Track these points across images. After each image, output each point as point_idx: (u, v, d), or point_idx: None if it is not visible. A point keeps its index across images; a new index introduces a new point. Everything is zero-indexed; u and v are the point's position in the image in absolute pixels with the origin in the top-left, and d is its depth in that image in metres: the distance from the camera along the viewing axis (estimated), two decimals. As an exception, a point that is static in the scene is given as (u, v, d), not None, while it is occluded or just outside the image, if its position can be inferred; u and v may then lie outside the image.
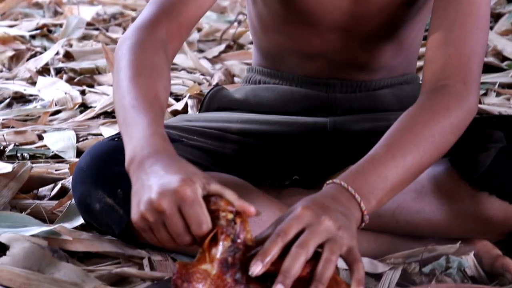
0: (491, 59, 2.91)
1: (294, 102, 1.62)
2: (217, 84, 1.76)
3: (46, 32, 3.62)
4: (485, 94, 2.63)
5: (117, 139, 1.49)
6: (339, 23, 1.54)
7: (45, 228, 1.51)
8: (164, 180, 1.12)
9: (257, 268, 1.08)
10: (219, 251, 1.10)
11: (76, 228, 1.56)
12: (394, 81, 1.62)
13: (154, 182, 1.12)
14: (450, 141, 1.34)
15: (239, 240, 1.11)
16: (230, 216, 1.11)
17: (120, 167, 1.43)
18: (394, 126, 1.33)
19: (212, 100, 1.70)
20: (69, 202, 1.66)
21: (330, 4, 1.52)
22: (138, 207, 1.13)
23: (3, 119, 2.43)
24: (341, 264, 1.41)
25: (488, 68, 2.80)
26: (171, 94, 2.74)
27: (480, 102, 2.47)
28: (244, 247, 1.11)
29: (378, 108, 1.61)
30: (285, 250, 1.11)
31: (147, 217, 1.12)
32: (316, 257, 1.11)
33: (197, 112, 1.78)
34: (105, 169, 1.44)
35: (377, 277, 1.39)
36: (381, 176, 1.24)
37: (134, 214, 1.14)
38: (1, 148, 2.13)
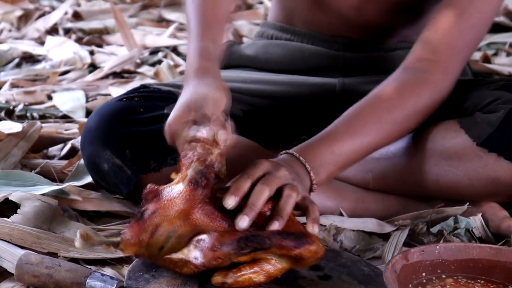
0: (502, 19, 2.89)
1: (304, 59, 1.61)
2: (227, 41, 1.75)
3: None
4: (495, 54, 2.61)
5: (125, 99, 1.49)
6: None
7: (55, 187, 1.52)
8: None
9: (230, 201, 1.14)
10: (190, 171, 1.15)
11: (85, 187, 1.57)
12: (406, 46, 1.61)
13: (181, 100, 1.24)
14: (411, 128, 1.39)
15: (213, 168, 1.16)
16: (210, 149, 1.17)
17: (128, 127, 1.44)
18: (360, 102, 1.36)
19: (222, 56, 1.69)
20: (78, 161, 1.67)
21: None
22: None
23: (12, 79, 2.43)
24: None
25: (499, 28, 2.77)
26: (179, 54, 2.73)
27: (490, 62, 2.46)
28: (216, 177, 1.17)
29: (388, 70, 1.60)
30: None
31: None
32: (275, 199, 1.17)
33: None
34: (113, 130, 1.44)
35: (385, 237, 1.40)
36: (335, 152, 1.30)
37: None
38: (11, 107, 2.14)
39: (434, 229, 1.39)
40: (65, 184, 1.53)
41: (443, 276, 1.13)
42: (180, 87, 1.56)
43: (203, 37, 1.33)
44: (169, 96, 1.52)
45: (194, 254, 1.09)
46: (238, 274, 1.11)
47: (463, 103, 1.44)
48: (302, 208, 1.19)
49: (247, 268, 1.11)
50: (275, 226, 1.12)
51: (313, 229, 1.15)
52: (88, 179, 1.58)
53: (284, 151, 1.30)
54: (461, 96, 1.51)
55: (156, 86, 1.57)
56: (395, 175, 1.47)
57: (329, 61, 1.60)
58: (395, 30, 1.59)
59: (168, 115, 1.47)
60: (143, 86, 1.57)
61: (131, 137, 1.44)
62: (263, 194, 1.15)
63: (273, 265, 1.12)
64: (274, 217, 1.14)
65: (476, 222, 1.40)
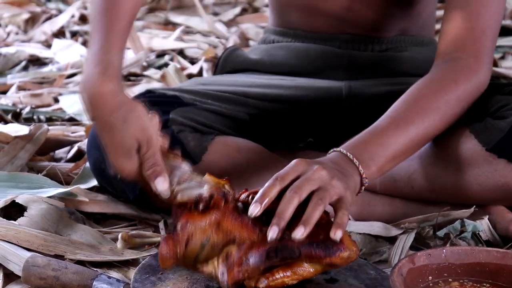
0: (508, 22, 2.89)
1: (309, 59, 1.61)
2: (231, 46, 1.76)
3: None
4: (502, 58, 2.61)
5: None
6: None
7: (61, 189, 1.52)
8: None
9: (256, 209, 1.12)
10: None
11: (91, 190, 1.57)
12: (409, 40, 1.61)
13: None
14: (457, 114, 1.37)
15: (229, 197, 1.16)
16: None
17: None
18: (401, 97, 1.35)
19: (226, 61, 1.70)
20: (84, 164, 1.67)
21: None
22: None
23: (19, 82, 2.43)
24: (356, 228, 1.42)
25: (505, 31, 2.77)
26: (186, 57, 2.74)
27: (497, 66, 2.45)
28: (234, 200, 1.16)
29: (394, 71, 1.60)
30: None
31: None
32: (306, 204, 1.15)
33: (212, 74, 1.79)
34: None
35: (391, 240, 1.40)
36: (382, 144, 1.28)
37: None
38: (18, 110, 2.15)
39: (441, 233, 1.39)
40: (72, 187, 1.53)
41: (450, 279, 1.13)
42: (185, 91, 1.57)
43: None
44: (174, 101, 1.52)
45: (221, 270, 1.10)
46: (271, 278, 1.11)
47: (473, 107, 1.43)
48: (334, 210, 1.16)
49: (280, 272, 1.11)
50: (298, 234, 1.10)
51: (335, 235, 1.12)
52: (95, 182, 1.58)
53: (332, 149, 1.27)
54: None
55: (161, 91, 1.57)
56: (403, 179, 1.46)
57: (334, 60, 1.60)
58: (391, 23, 1.59)
59: (173, 119, 1.47)
60: (148, 91, 1.57)
61: None
62: (292, 203, 1.12)
63: (306, 268, 1.12)
64: (299, 225, 1.11)
65: (483, 225, 1.40)
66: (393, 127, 1.30)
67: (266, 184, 1.15)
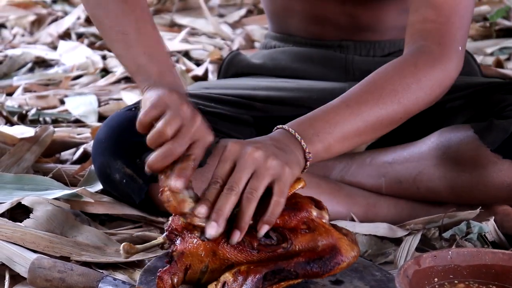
0: (513, 24, 2.89)
1: (312, 63, 1.61)
2: (234, 50, 1.77)
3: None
4: (508, 59, 2.60)
5: (134, 109, 1.49)
6: None
7: (67, 191, 1.52)
8: None
9: (213, 231, 1.09)
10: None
11: (97, 192, 1.57)
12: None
13: None
14: (419, 99, 1.29)
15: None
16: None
17: (138, 137, 1.44)
18: (358, 83, 1.30)
19: (229, 66, 1.70)
20: (90, 166, 1.67)
21: None
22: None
23: (25, 84, 2.44)
24: (360, 229, 1.42)
25: (510, 33, 2.77)
26: (191, 59, 2.74)
27: (502, 67, 2.45)
28: None
29: None
30: None
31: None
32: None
33: (216, 78, 1.79)
34: (123, 140, 1.45)
35: (397, 242, 1.40)
36: (329, 122, 1.22)
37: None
38: (24, 112, 2.15)
39: (446, 234, 1.39)
40: (78, 189, 1.54)
41: (456, 281, 1.13)
42: (189, 95, 1.56)
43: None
44: None
45: None
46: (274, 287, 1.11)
47: (476, 107, 1.43)
48: (272, 194, 1.12)
49: (282, 283, 1.11)
50: (234, 240, 1.09)
51: (258, 233, 1.10)
52: (100, 185, 1.58)
53: (275, 127, 1.23)
54: (473, 99, 1.50)
55: None
56: (409, 181, 1.46)
57: (337, 64, 1.60)
58: (391, 25, 1.58)
59: None
60: None
61: (141, 146, 1.44)
62: (229, 200, 1.09)
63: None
64: (234, 230, 1.10)
65: (489, 226, 1.39)
66: (343, 106, 1.24)
67: (208, 187, 1.12)
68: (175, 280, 1.11)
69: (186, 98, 1.19)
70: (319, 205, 1.16)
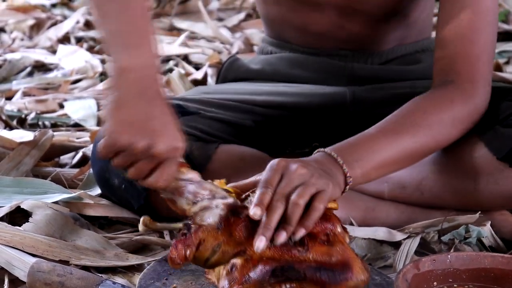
0: (512, 27, 2.89)
1: (311, 70, 1.61)
2: (233, 55, 1.76)
3: (66, 1, 3.62)
4: (507, 63, 2.60)
5: None
6: (336, 2, 1.53)
7: (66, 195, 1.52)
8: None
9: (258, 211, 1.13)
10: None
11: (96, 196, 1.57)
12: (409, 49, 1.61)
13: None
14: (451, 134, 1.36)
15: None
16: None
17: None
18: (395, 111, 1.35)
19: (228, 71, 1.70)
20: (89, 170, 1.67)
21: None
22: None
23: (24, 88, 2.44)
24: (360, 233, 1.42)
25: (510, 36, 2.77)
26: (191, 63, 2.74)
27: (501, 70, 2.45)
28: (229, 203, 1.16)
29: (396, 79, 1.60)
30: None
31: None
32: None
33: (215, 83, 1.79)
34: None
35: (396, 245, 1.39)
36: (369, 150, 1.28)
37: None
38: (23, 116, 2.15)
39: (445, 238, 1.39)
40: (77, 192, 1.54)
41: (455, 285, 1.13)
42: (189, 100, 1.57)
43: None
44: (178, 110, 1.52)
45: (222, 284, 1.10)
46: None
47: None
48: (311, 204, 1.16)
49: (287, 285, 1.10)
50: (279, 240, 1.11)
51: (294, 236, 1.12)
52: (99, 189, 1.58)
53: (316, 150, 1.27)
54: None
55: None
56: (412, 186, 1.46)
57: (336, 71, 1.60)
58: (387, 36, 1.58)
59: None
60: None
61: None
62: (276, 212, 1.13)
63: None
64: (280, 230, 1.12)
65: (485, 231, 1.39)
66: (381, 136, 1.31)
67: (258, 192, 1.15)
68: (188, 252, 1.12)
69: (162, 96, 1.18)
70: (344, 228, 1.18)
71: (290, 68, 1.63)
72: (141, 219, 1.20)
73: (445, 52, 1.39)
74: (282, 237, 1.12)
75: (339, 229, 1.16)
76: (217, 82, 1.73)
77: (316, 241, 1.13)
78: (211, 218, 1.14)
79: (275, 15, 1.63)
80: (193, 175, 1.19)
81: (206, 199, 1.16)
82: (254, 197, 1.15)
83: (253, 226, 1.13)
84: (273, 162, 1.19)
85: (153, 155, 1.14)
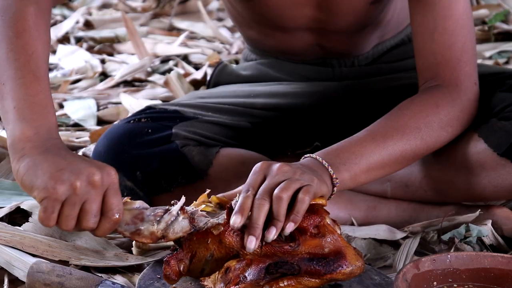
0: (512, 27, 2.89)
1: (300, 75, 1.63)
2: (221, 61, 1.77)
3: (65, 1, 3.62)
4: (506, 63, 2.61)
5: (132, 121, 1.50)
6: (307, 26, 1.53)
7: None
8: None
9: (237, 219, 1.12)
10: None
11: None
12: (391, 42, 1.62)
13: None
14: (441, 137, 1.36)
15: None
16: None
17: (137, 149, 1.45)
18: (382, 116, 1.36)
19: (218, 78, 1.71)
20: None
21: (292, 11, 1.51)
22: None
23: (24, 88, 2.44)
24: (359, 233, 1.42)
25: (509, 36, 2.77)
26: (190, 63, 2.74)
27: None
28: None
29: (386, 74, 1.61)
30: None
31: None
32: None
33: (206, 88, 1.80)
34: (123, 153, 1.45)
35: (396, 245, 1.40)
36: (356, 153, 1.28)
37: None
38: (22, 116, 2.15)
39: (445, 237, 1.39)
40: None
41: (455, 285, 1.13)
42: (186, 105, 1.57)
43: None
44: (175, 116, 1.52)
45: (219, 286, 1.10)
46: (275, 287, 1.11)
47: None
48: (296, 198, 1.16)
49: (284, 281, 1.11)
50: (270, 236, 1.12)
51: (284, 231, 1.13)
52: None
53: (303, 156, 1.28)
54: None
55: (161, 107, 1.57)
56: (415, 184, 1.46)
57: (324, 74, 1.62)
58: (365, 42, 1.59)
59: (176, 134, 1.47)
60: (148, 108, 1.57)
61: (141, 159, 1.45)
62: (262, 210, 1.14)
63: (311, 279, 1.12)
64: (270, 227, 1.12)
65: (486, 230, 1.39)
66: (369, 139, 1.30)
67: (241, 197, 1.15)
68: (181, 267, 1.13)
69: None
70: (333, 221, 1.18)
71: (279, 73, 1.64)
72: (134, 242, 1.22)
73: (426, 62, 1.39)
74: (272, 233, 1.12)
75: (328, 220, 1.17)
76: (208, 87, 1.73)
77: (307, 235, 1.14)
78: (181, 226, 1.14)
79: (253, 36, 1.65)
80: (140, 202, 1.19)
81: (165, 215, 1.16)
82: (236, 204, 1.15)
83: (241, 228, 1.13)
84: (256, 165, 1.20)
85: (93, 184, 1.12)
